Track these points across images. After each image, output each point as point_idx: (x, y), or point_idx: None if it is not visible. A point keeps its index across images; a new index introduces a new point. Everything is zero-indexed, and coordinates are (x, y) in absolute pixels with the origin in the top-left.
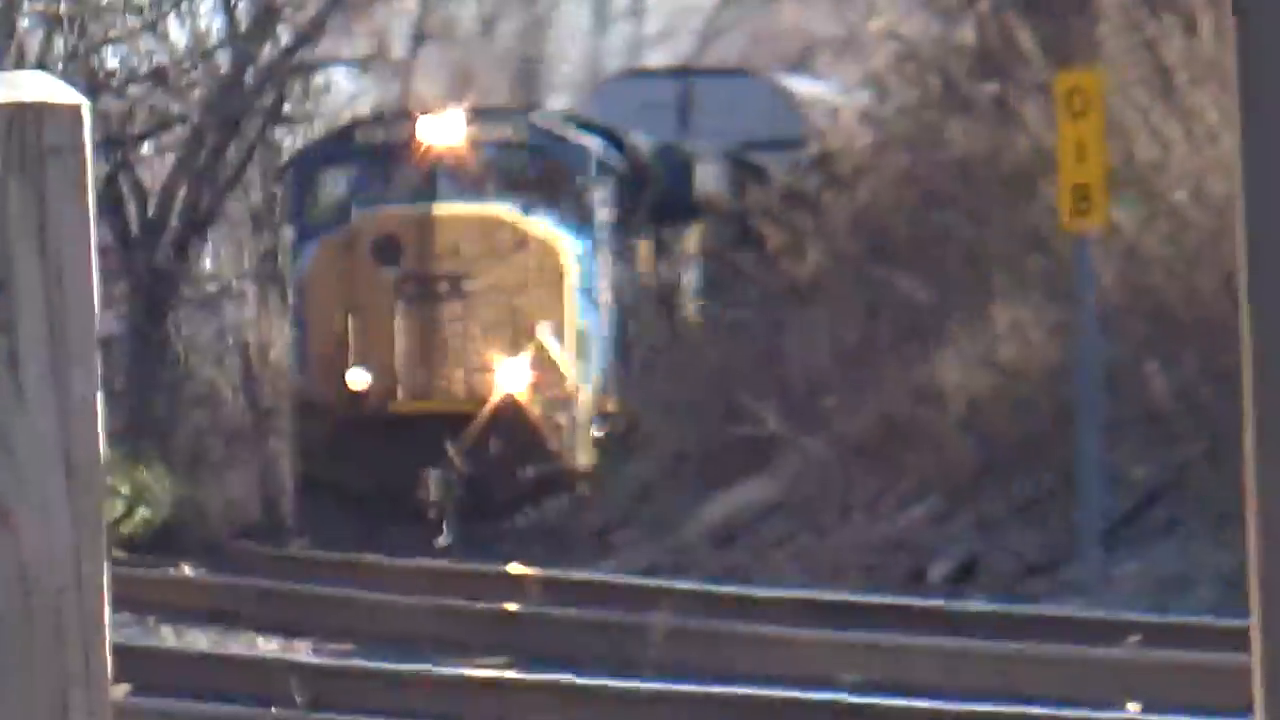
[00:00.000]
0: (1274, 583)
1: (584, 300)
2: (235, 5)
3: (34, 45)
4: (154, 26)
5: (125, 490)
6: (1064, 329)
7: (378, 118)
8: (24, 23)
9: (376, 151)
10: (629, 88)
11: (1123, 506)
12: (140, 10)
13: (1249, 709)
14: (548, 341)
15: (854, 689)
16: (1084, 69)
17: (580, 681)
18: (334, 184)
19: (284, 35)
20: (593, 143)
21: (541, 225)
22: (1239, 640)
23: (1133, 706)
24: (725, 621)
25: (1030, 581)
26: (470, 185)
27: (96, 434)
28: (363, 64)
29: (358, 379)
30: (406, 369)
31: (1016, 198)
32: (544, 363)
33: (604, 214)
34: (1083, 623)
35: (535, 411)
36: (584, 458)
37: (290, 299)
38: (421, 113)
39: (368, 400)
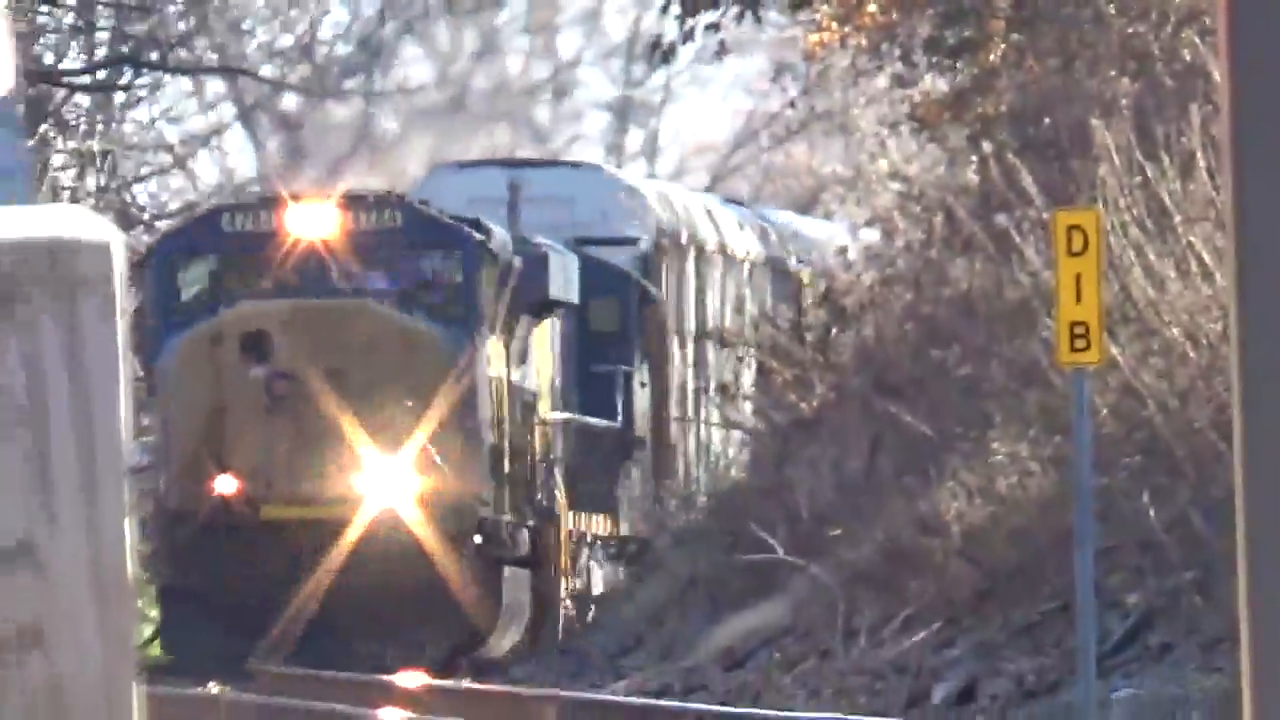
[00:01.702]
0: (1266, 706)
1: (462, 399)
2: (264, 143)
3: (66, 180)
4: (184, 164)
5: None
6: (1060, 461)
7: (244, 204)
8: (56, 159)
9: (243, 240)
10: (457, 179)
11: (1117, 632)
12: (171, 148)
13: None
14: (429, 445)
15: None
16: (1083, 208)
17: None
18: (198, 275)
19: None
20: (471, 230)
21: (417, 320)
22: None
23: None
24: None
25: (1029, 705)
26: (344, 275)
27: (126, 556)
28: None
29: (225, 484)
30: (278, 472)
31: (1016, 333)
32: (428, 466)
33: (482, 304)
34: None
35: (417, 524)
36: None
37: (150, 396)
38: (291, 198)
39: (236, 505)
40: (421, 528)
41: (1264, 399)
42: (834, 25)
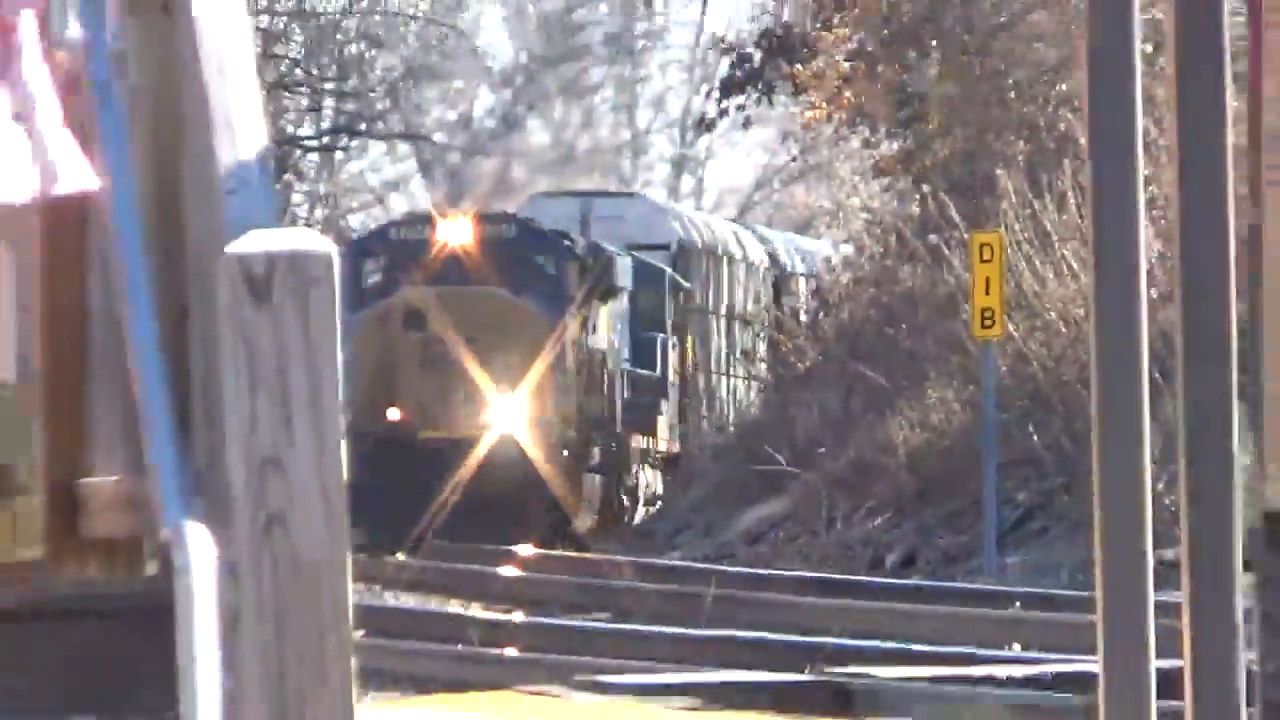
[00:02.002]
0: (1111, 570)
1: (556, 356)
2: (435, 185)
3: (301, 213)
4: (382, 200)
5: None
6: (974, 403)
7: (405, 220)
8: (295, 198)
9: (405, 246)
10: (548, 204)
11: (1011, 519)
12: (373, 190)
13: (1094, 650)
14: (534, 387)
15: (838, 636)
16: (990, 231)
17: (657, 629)
18: (372, 270)
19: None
20: (561, 239)
21: (526, 301)
22: (1087, 605)
23: (1016, 646)
24: (752, 593)
25: (951, 567)
26: (476, 270)
27: (341, 465)
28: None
29: (393, 414)
30: (430, 407)
31: (945, 316)
32: (533, 402)
33: (569, 291)
34: (984, 594)
35: (527, 442)
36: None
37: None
38: (439, 216)
39: (401, 429)
40: (529, 444)
41: (1111, 362)
42: (823, 105)
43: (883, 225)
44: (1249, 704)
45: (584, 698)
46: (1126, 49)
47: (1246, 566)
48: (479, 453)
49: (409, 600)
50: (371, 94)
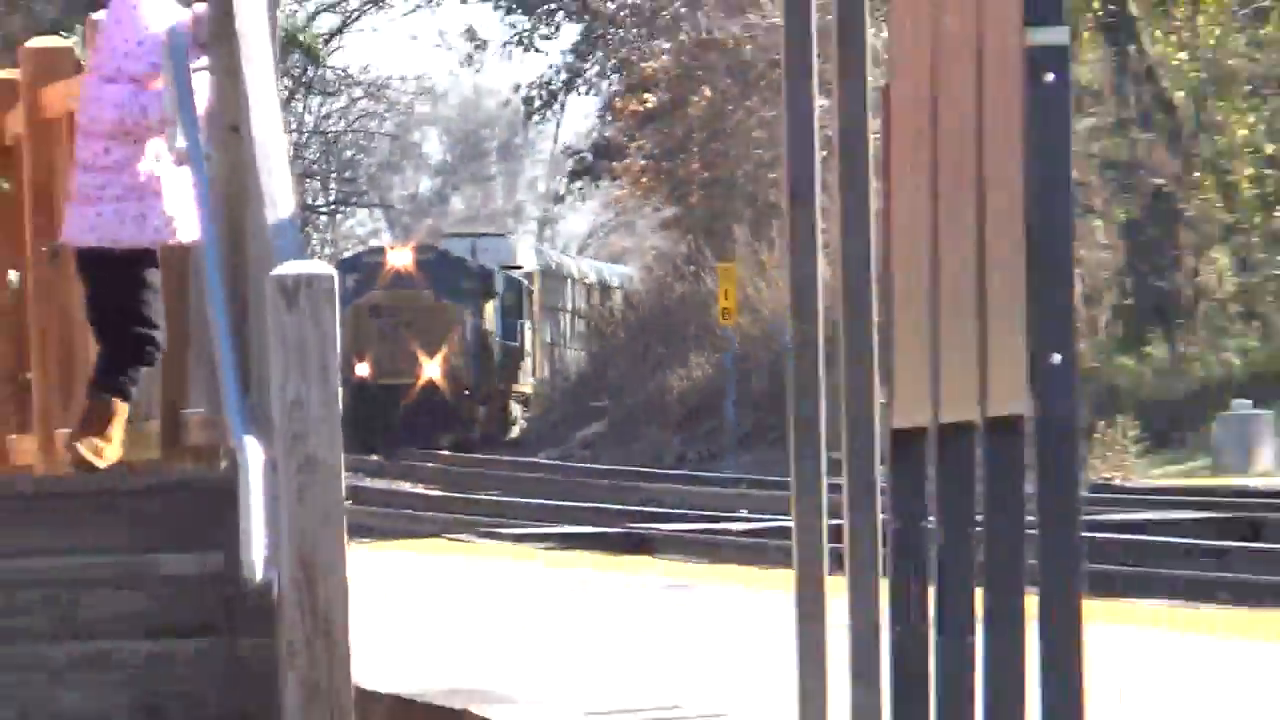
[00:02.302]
0: (801, 465)
1: (468, 333)
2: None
3: (317, 252)
4: (364, 243)
5: None
6: (718, 364)
7: (370, 251)
8: (313, 242)
9: (369, 266)
10: (453, 242)
11: (741, 434)
12: (359, 236)
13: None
14: (450, 351)
15: (639, 504)
16: (729, 262)
17: (527, 500)
18: (352, 281)
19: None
20: (464, 261)
21: (445, 301)
22: (789, 485)
23: (743, 510)
24: (586, 479)
25: (708, 463)
26: (414, 280)
27: (337, 400)
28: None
29: (362, 369)
30: (384, 363)
31: (701, 313)
32: (447, 362)
33: (473, 294)
34: (726, 479)
35: (448, 389)
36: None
37: None
38: (391, 249)
39: (367, 378)
40: (444, 386)
41: (800, 339)
42: (629, 187)
43: (664, 258)
44: (884, 546)
45: (485, 543)
46: (809, 147)
47: (884, 461)
48: (415, 392)
49: (379, 482)
50: (358, 180)
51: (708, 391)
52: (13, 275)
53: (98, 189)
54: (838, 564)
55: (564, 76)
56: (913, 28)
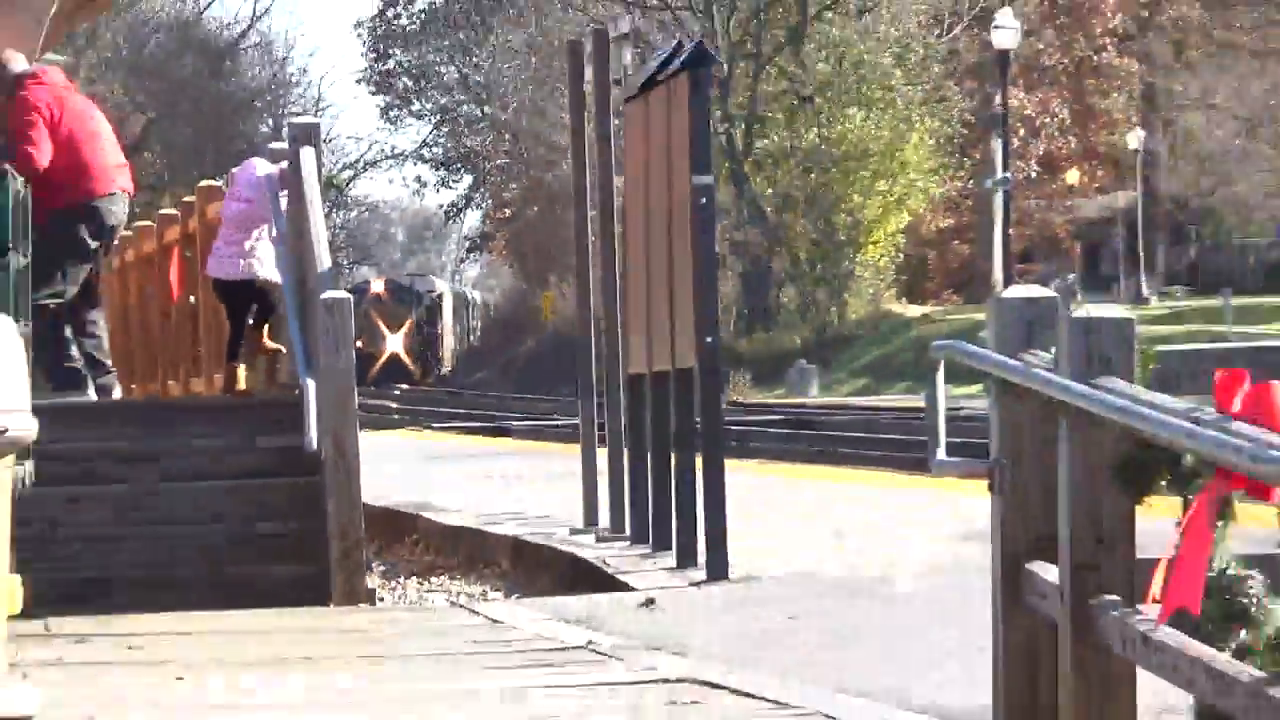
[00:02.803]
0: (584, 402)
1: (411, 325)
2: None
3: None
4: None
5: None
6: (541, 340)
7: (361, 282)
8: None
9: (364, 289)
10: (403, 278)
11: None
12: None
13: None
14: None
15: (519, 414)
16: (549, 293)
17: (452, 409)
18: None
19: None
20: (411, 285)
21: (401, 305)
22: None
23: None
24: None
25: (536, 392)
26: (385, 299)
27: (352, 364)
28: None
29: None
30: (365, 341)
31: (535, 314)
32: (406, 340)
33: (415, 300)
34: (546, 399)
35: (404, 354)
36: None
37: None
38: (374, 280)
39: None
40: (404, 355)
41: (584, 328)
42: (496, 254)
43: (513, 288)
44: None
45: (427, 430)
46: (584, 218)
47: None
48: (383, 359)
49: (370, 400)
50: (363, 249)
51: (537, 354)
52: (191, 299)
53: (226, 248)
54: (601, 441)
55: (465, 199)
56: (637, 160)
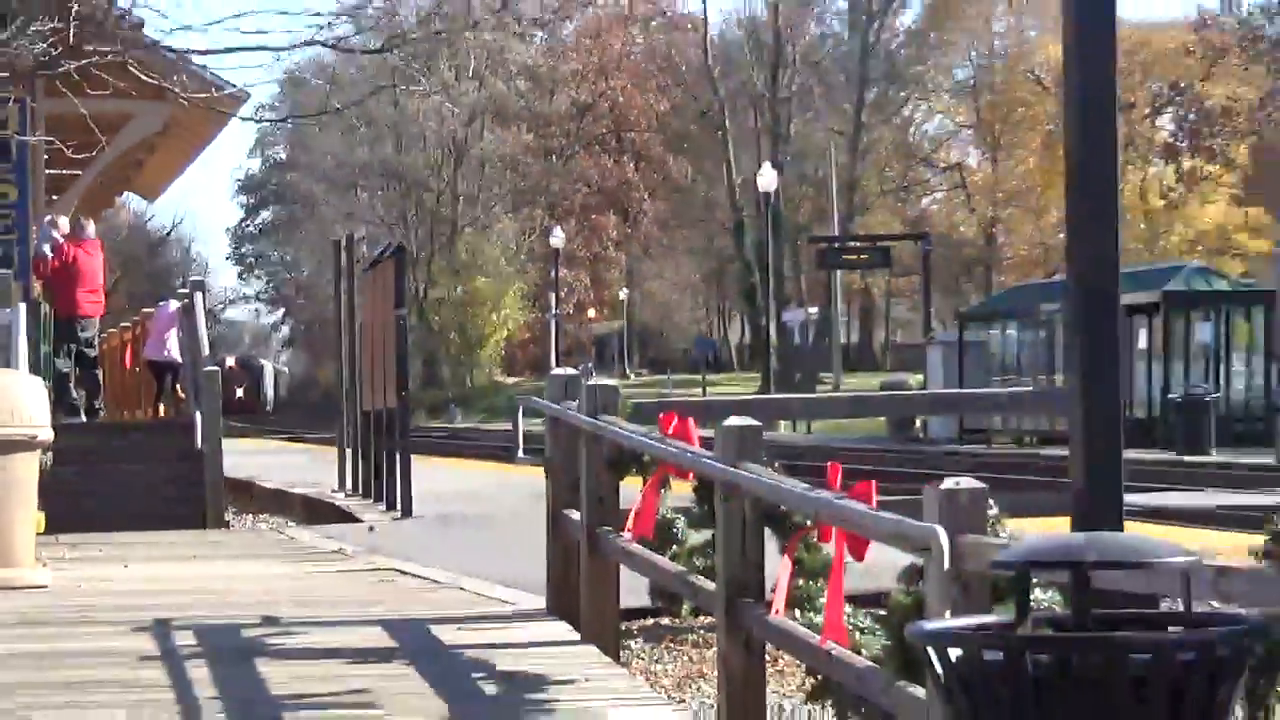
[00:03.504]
0: (340, 429)
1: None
2: None
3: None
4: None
5: None
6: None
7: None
8: None
9: None
10: None
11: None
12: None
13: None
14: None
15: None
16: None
17: None
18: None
19: None
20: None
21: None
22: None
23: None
24: None
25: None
26: (236, 373)
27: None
28: None
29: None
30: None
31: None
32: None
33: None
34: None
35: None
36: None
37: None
38: None
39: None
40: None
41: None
42: None
43: None
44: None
45: (261, 439)
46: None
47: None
48: (235, 400)
49: (229, 423)
50: None
51: (318, 399)
52: (137, 369)
53: (153, 342)
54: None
55: (281, 319)
56: (372, 301)
